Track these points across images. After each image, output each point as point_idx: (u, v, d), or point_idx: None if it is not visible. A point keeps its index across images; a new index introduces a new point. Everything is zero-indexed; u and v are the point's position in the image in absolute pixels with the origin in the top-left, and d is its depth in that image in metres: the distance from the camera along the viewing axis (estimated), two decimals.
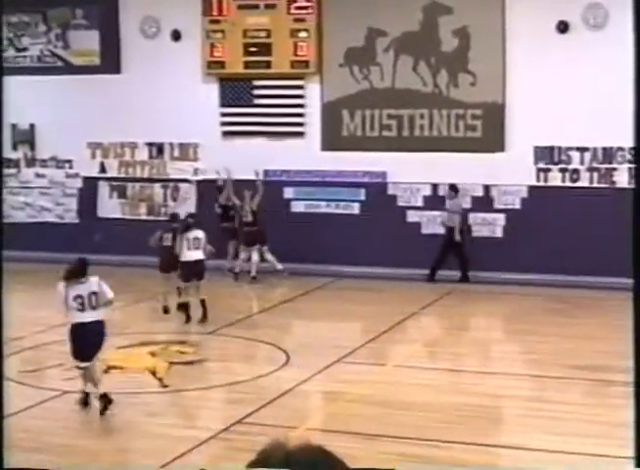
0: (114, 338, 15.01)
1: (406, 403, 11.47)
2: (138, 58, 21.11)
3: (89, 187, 21.61)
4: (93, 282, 11.39)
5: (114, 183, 21.59)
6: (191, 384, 12.58)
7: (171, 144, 21.10)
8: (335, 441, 8.84)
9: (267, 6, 20.04)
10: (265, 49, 20.13)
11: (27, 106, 21.65)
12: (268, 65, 20.17)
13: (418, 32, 19.37)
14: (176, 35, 20.83)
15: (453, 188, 18.93)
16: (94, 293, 11.30)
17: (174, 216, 17.19)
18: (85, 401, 11.45)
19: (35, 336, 15.02)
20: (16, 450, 10.09)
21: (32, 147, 22.05)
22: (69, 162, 21.80)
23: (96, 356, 11.39)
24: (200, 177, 20.84)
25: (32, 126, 21.92)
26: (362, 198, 19.88)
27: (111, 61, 21.33)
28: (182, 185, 21.03)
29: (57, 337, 15.14)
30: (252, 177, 20.10)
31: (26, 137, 21.99)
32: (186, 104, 20.58)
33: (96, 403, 11.30)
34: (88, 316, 11.23)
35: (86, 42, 21.60)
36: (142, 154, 21.37)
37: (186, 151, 21.02)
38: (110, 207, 21.51)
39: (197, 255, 15.93)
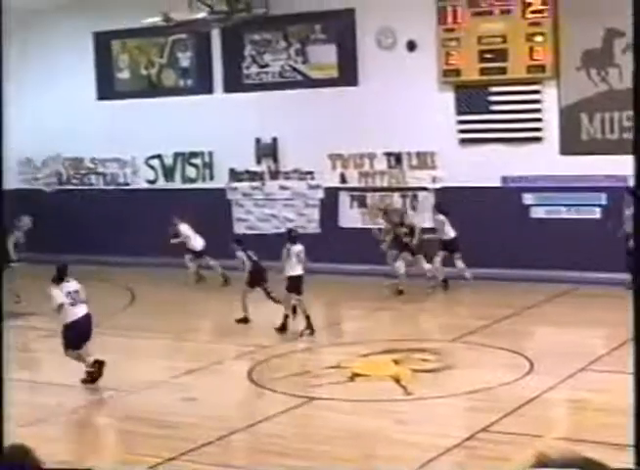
0: (358, 346, 15.38)
1: None
2: (374, 69, 21.48)
3: (330, 197, 22.13)
4: (73, 282, 13.46)
5: (355, 193, 22.03)
6: (434, 391, 12.71)
7: (409, 153, 21.33)
8: (582, 451, 8.75)
9: (502, 12, 19.97)
10: (501, 55, 20.06)
11: (270, 120, 22.45)
12: (504, 70, 20.09)
13: None
14: (411, 45, 21.06)
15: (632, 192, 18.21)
16: (76, 291, 13.35)
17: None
18: (93, 380, 13.22)
19: (283, 344, 15.54)
20: (266, 455, 10.55)
21: (275, 160, 22.79)
22: (311, 173, 22.39)
23: (88, 340, 13.46)
24: (438, 185, 20.98)
25: (275, 140, 22.66)
26: (603, 202, 19.51)
27: (348, 73, 21.80)
28: (420, 193, 21.22)
29: (302, 345, 15.66)
30: (490, 184, 20.11)
31: (270, 151, 22.76)
32: (422, 113, 20.77)
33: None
34: (79, 311, 13.32)
35: (324, 56, 22.15)
36: (381, 164, 21.71)
37: (424, 159, 21.20)
38: (350, 216, 21.97)
39: (300, 269, 16.35)
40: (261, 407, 12.33)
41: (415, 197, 21.34)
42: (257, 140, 22.80)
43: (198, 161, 23.85)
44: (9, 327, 17.19)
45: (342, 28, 21.80)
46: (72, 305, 13.31)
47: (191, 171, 24.01)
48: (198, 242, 21.28)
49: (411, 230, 19.50)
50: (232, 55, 23.11)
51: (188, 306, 18.70)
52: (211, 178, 23.69)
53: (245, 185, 23.19)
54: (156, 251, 22.36)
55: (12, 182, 25.54)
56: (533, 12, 19.63)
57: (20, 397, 13.01)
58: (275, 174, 22.87)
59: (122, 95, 24.55)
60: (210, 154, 23.56)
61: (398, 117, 20.96)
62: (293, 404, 12.18)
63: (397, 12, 20.95)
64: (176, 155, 24.02)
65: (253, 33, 22.66)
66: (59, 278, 13.53)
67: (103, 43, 24.66)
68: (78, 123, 24.64)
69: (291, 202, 22.57)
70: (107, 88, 24.81)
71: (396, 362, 13.89)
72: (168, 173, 24.26)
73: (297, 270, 16.35)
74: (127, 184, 24.73)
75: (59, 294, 13.31)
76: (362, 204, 21.91)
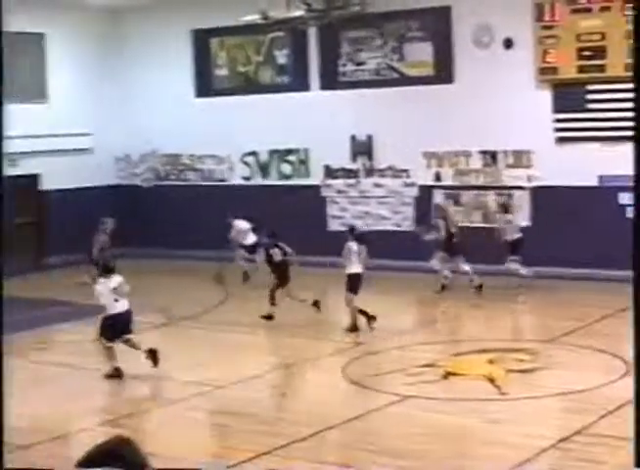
0: (452, 345, 15.38)
1: None
2: (470, 67, 21.40)
3: (425, 196, 22.12)
4: (116, 277, 13.88)
5: (449, 191, 21.99)
6: (528, 392, 12.66)
7: (505, 151, 21.22)
8: None
9: (601, 8, 19.75)
10: (599, 52, 19.84)
11: (365, 117, 22.53)
12: (602, 68, 19.87)
13: None
14: (508, 43, 20.93)
15: None
16: (119, 285, 13.76)
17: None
18: (117, 375, 13.60)
19: (378, 341, 15.60)
20: (359, 452, 10.63)
21: (370, 157, 22.86)
22: (406, 171, 22.41)
23: (130, 333, 13.88)
24: (534, 184, 20.83)
25: (370, 137, 22.73)
26: None
27: (444, 71, 21.76)
28: (516, 193, 21.09)
29: (398, 343, 15.69)
30: (586, 183, 19.92)
31: (365, 148, 22.84)
32: (519, 111, 20.64)
33: (144, 360, 13.68)
34: (121, 306, 13.73)
35: (420, 54, 22.14)
36: (476, 162, 21.63)
37: (519, 158, 21.07)
38: None
39: (360, 268, 16.35)
40: (355, 404, 12.41)
41: (510, 196, 21.21)
42: (353, 137, 22.90)
43: (293, 158, 24.03)
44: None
45: (438, 26, 21.77)
46: (116, 300, 13.75)
47: (286, 168, 24.20)
48: (250, 238, 21.41)
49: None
50: (328, 53, 23.24)
51: (283, 302, 18.86)
52: (307, 175, 23.86)
53: (339, 182, 23.30)
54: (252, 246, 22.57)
55: (110, 178, 26.07)
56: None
57: (120, 388, 13.33)
58: (370, 172, 22.94)
59: (220, 92, 24.87)
60: (306, 151, 23.73)
61: (494, 115, 20.87)
62: (386, 402, 12.24)
63: (494, 9, 20.86)
64: (272, 152, 24.24)
65: (350, 31, 22.75)
66: (105, 273, 13.98)
67: (201, 41, 24.99)
68: (176, 120, 25.02)
69: (385, 199, 22.62)
70: (205, 85, 25.15)
71: (491, 362, 13.86)
72: (264, 170, 24.49)
73: (356, 268, 16.36)
74: (223, 180, 25.03)
75: (103, 292, 13.78)
76: (457, 202, 21.86)
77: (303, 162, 23.93)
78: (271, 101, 23.86)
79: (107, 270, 14.06)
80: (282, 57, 24.15)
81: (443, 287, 19.21)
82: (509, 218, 19.73)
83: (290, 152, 24.03)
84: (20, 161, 24.07)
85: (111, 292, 13.74)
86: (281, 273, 17.33)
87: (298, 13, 21.03)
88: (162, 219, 24.98)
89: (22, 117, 23.79)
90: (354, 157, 23.02)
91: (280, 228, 23.12)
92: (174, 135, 25.21)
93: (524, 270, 19.22)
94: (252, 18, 21.15)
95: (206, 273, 21.83)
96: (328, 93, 23.32)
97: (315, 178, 23.59)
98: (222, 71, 25.06)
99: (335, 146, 22.98)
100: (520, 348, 14.88)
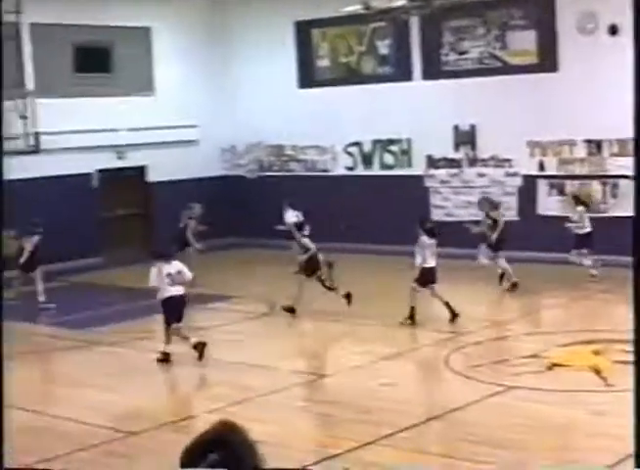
0: (556, 335, 15.27)
1: None
2: (575, 55, 21.14)
3: (528, 185, 21.95)
4: (177, 263, 14.32)
5: (553, 181, 21.78)
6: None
7: (609, 140, 20.92)
8: None
9: None
10: None
11: (468, 107, 22.43)
12: None
13: None
14: (613, 29, 20.61)
15: None
16: (178, 272, 14.15)
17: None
18: (166, 359, 14.12)
19: (480, 331, 15.57)
20: (461, 443, 10.65)
21: (473, 147, 22.76)
22: (509, 161, 22.26)
23: (180, 321, 14.20)
24: None
25: (473, 127, 22.63)
26: None
27: (548, 59, 21.53)
28: (621, 182, 20.78)
29: (501, 333, 15.64)
30: None
31: (467, 138, 22.75)
32: (624, 99, 20.26)
33: (194, 353, 14.05)
34: (174, 290, 14.11)
35: (523, 42, 21.95)
36: (580, 151, 21.37)
37: (624, 146, 20.74)
38: (549, 204, 21.73)
39: (434, 262, 16.26)
40: (458, 395, 12.41)
41: (615, 185, 20.92)
42: (455, 127, 22.83)
43: (396, 148, 24.06)
44: (214, 309, 17.92)
45: (541, 13, 21.55)
46: (170, 285, 14.16)
47: (389, 158, 24.24)
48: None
49: (494, 223, 19.12)
50: (430, 42, 23.19)
51: (387, 292, 18.90)
52: (409, 165, 23.86)
53: (442, 172, 23.25)
54: (355, 236, 22.74)
55: (215, 170, 26.43)
56: None
57: (224, 377, 13.57)
58: (473, 161, 22.85)
59: (322, 83, 25.01)
60: (408, 141, 23.73)
61: (599, 104, 20.58)
62: (489, 393, 12.22)
63: None
64: (375, 142, 24.29)
65: (452, 20, 22.67)
66: (163, 259, 14.34)
67: (304, 32, 25.16)
68: (280, 111, 25.24)
69: (488, 189, 22.49)
70: (307, 76, 25.31)
71: (596, 353, 13.72)
72: (367, 160, 24.56)
73: (429, 262, 16.27)
74: (326, 171, 25.17)
75: (154, 275, 14.22)
76: (561, 192, 21.64)
77: (406, 152, 23.93)
78: (373, 91, 23.91)
79: (166, 255, 14.45)
80: (384, 47, 24.17)
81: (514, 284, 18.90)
82: (580, 210, 19.45)
83: (392, 142, 24.05)
84: (127, 153, 24.60)
85: (165, 276, 14.10)
86: (313, 265, 17.37)
87: (400, 2, 21.01)
88: (266, 210, 25.23)
89: (129, 109, 24.33)
90: (457, 146, 22.95)
91: (383, 218, 23.29)
92: (278, 126, 25.44)
93: (589, 263, 19.00)
94: (355, 8, 21.21)
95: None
96: (430, 83, 23.28)
97: (418, 168, 23.57)
98: (324, 62, 25.19)
99: (437, 136, 22.94)
100: (626, 339, 14.68)
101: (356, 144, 24.61)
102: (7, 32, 20.89)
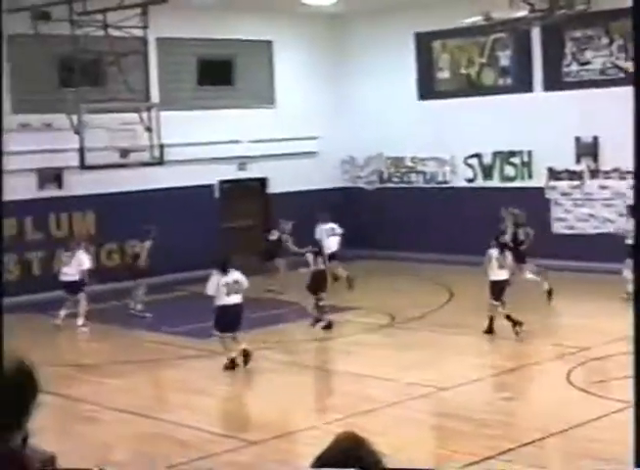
0: None
1: None
2: None
3: None
4: (235, 273, 14.83)
5: None
6: None
7: None
8: None
9: None
10: None
11: (591, 118, 22.10)
12: None
13: None
14: None
15: None
16: (235, 281, 14.73)
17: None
18: (232, 366, 14.64)
19: (602, 347, 15.33)
20: (582, 459, 10.51)
21: (595, 159, 22.43)
22: (632, 173, 21.82)
23: (238, 330, 14.87)
24: None
25: (596, 139, 22.30)
26: None
27: None
28: None
29: (622, 348, 15.37)
30: None
31: (590, 150, 22.43)
32: None
33: (239, 361, 14.64)
34: (231, 299, 14.65)
35: None
36: None
37: None
38: None
39: (505, 275, 16.39)
40: (580, 411, 12.25)
41: None
42: (577, 139, 22.54)
43: (516, 159, 23.86)
44: (336, 320, 18.03)
45: None
46: (227, 294, 14.69)
47: (509, 170, 24.05)
48: (332, 243, 21.33)
49: (515, 237, 19.14)
50: (552, 52, 22.95)
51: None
52: (530, 177, 23.63)
53: (564, 184, 22.97)
54: (473, 248, 22.59)
55: (334, 181, 26.59)
56: None
57: (345, 388, 13.64)
58: (594, 173, 22.51)
59: (442, 95, 24.96)
60: (529, 153, 23.51)
61: None
62: (612, 409, 12.03)
63: None
64: (495, 154, 24.14)
65: (574, 30, 22.40)
66: (222, 268, 14.82)
67: (424, 43, 25.15)
68: (399, 123, 25.26)
69: (611, 202, 22.13)
70: (427, 88, 25.30)
71: None
72: (487, 172, 24.42)
73: (497, 275, 16.37)
74: (446, 183, 25.10)
75: (213, 284, 14.75)
76: None
77: (527, 163, 23.71)
78: (494, 102, 23.77)
79: (225, 265, 14.89)
80: (505, 58, 24.01)
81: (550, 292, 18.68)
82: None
83: (513, 154, 23.86)
84: (248, 164, 24.93)
85: (223, 285, 14.63)
86: (320, 281, 17.67)
87: (521, 13, 20.89)
88: (385, 222, 25.27)
89: (250, 121, 24.67)
90: (578, 158, 22.64)
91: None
92: (398, 138, 25.46)
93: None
94: (475, 19, 21.17)
95: (426, 274, 21.98)
96: (551, 94, 23.03)
97: (538, 180, 23.33)
98: (444, 74, 25.14)
99: (559, 147, 22.67)
100: None
101: (476, 156, 24.48)
102: (134, 47, 21.43)
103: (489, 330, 16.49)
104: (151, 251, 19.41)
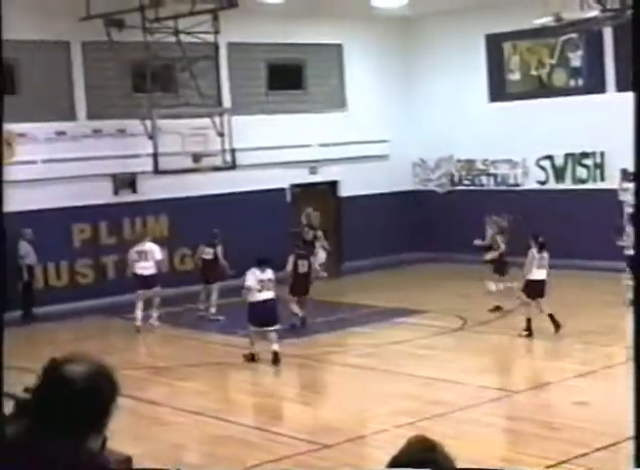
0: None
1: None
2: None
3: None
4: (269, 271, 15.63)
5: None
6: None
7: None
8: None
9: None
10: None
11: None
12: None
13: None
14: None
15: None
16: (269, 279, 15.57)
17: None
18: (252, 358, 15.55)
19: None
20: None
21: None
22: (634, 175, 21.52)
23: (274, 324, 15.59)
24: None
25: None
26: None
27: None
28: None
29: None
30: None
31: None
32: None
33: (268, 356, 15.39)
34: (263, 295, 15.47)
35: None
36: None
37: None
38: None
39: (543, 274, 16.52)
40: None
41: None
42: None
43: (589, 161, 23.64)
44: (406, 323, 18.03)
45: None
46: (260, 290, 15.46)
47: (582, 172, 23.84)
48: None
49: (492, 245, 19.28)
50: (625, 53, 22.68)
51: (584, 308, 18.61)
52: (602, 179, 23.40)
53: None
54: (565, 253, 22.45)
55: (405, 184, 26.59)
56: None
57: (415, 391, 13.65)
58: None
59: (513, 96, 24.83)
60: (602, 154, 23.29)
61: None
62: None
63: None
64: (567, 155, 23.94)
65: None
66: (259, 266, 15.56)
67: (494, 45, 25.05)
68: (470, 125, 25.18)
69: None
70: (498, 90, 25.18)
71: None
72: (559, 174, 24.23)
73: (535, 275, 16.51)
74: (518, 185, 24.95)
75: (251, 278, 15.48)
76: None
77: (599, 165, 23.48)
78: (565, 104, 23.58)
79: (263, 263, 15.62)
80: (576, 59, 23.82)
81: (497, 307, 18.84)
82: None
83: (585, 155, 23.65)
84: (319, 168, 25.04)
85: (257, 282, 15.40)
86: (304, 284, 18.35)
87: (593, 13, 20.69)
88: (456, 224, 25.17)
89: (321, 125, 24.78)
90: None
91: (576, 233, 22.83)
92: (468, 140, 25.38)
93: None
94: (546, 20, 21.00)
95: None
96: (625, 95, 22.71)
97: (611, 182, 23.08)
98: (515, 75, 25.01)
99: (632, 149, 22.33)
100: None
101: (548, 157, 24.31)
102: (206, 52, 21.65)
103: (529, 332, 16.42)
104: (223, 254, 19.63)
